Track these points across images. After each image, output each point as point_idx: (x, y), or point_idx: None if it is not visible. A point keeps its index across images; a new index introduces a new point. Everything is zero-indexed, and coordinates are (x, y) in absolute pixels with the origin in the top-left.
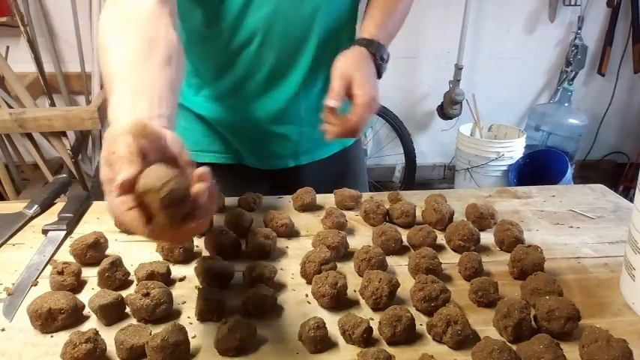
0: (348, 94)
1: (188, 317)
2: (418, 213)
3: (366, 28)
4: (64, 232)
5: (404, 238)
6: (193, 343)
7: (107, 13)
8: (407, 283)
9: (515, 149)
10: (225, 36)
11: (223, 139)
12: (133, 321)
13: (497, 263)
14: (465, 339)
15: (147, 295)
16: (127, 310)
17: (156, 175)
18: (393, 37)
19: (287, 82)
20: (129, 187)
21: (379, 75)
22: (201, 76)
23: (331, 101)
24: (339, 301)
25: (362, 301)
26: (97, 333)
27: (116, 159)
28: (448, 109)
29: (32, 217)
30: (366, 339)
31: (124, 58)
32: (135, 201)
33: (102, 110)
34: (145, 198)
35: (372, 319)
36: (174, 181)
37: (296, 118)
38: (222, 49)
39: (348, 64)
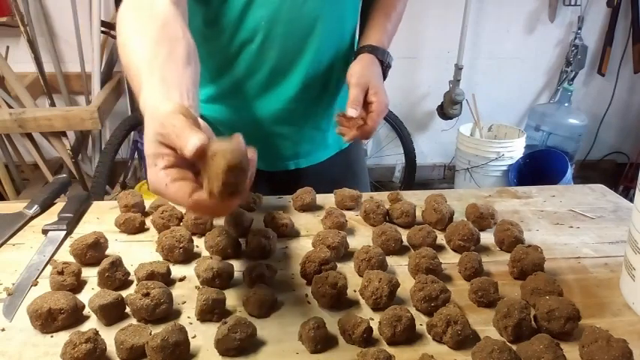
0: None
1: (188, 317)
2: (418, 213)
3: (370, 34)
4: (64, 232)
5: (404, 238)
6: (193, 343)
7: (125, 15)
8: (407, 283)
9: (515, 149)
10: (226, 34)
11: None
12: (133, 321)
13: (497, 263)
14: (465, 339)
15: (147, 295)
16: (127, 310)
17: (224, 143)
18: (391, 40)
19: (288, 82)
20: (202, 152)
21: (384, 78)
22: (204, 75)
23: (351, 110)
24: (339, 301)
25: (362, 301)
26: (97, 333)
27: (179, 131)
28: (448, 109)
29: (32, 217)
30: (366, 339)
31: (148, 55)
32: (179, 174)
33: (102, 110)
34: (211, 162)
35: (372, 319)
36: (241, 150)
37: (296, 119)
38: (223, 48)
39: (362, 72)
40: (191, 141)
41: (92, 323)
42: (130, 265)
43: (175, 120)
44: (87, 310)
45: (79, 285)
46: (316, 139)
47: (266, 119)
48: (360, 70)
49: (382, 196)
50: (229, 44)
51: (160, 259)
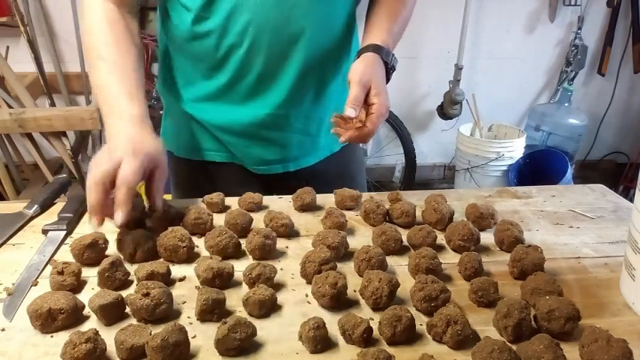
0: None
1: (188, 317)
2: (418, 213)
3: (374, 34)
4: (64, 232)
5: (404, 238)
6: (193, 343)
7: (87, 23)
8: (407, 283)
9: (515, 149)
10: (214, 37)
11: (216, 138)
12: (133, 321)
13: (497, 263)
14: (465, 339)
15: (147, 295)
16: (127, 310)
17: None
18: (396, 44)
19: (275, 87)
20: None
21: (387, 81)
22: (194, 76)
23: (350, 110)
24: (339, 301)
25: (362, 301)
26: (97, 333)
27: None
28: (448, 109)
29: (32, 217)
30: (366, 339)
31: (110, 68)
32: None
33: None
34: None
35: (372, 319)
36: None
37: (285, 125)
38: (211, 51)
39: (365, 70)
40: (119, 214)
41: (92, 323)
42: (130, 265)
43: (124, 167)
44: (87, 310)
45: (79, 285)
46: (305, 144)
47: (253, 124)
48: (363, 68)
49: (382, 196)
50: (217, 48)
51: (160, 259)
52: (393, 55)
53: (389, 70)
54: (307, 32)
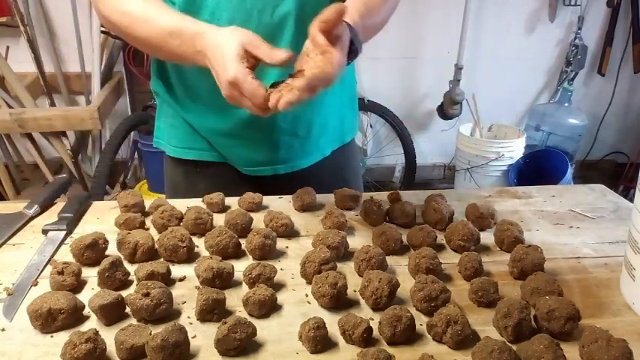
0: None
1: (188, 317)
2: (418, 213)
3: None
4: (64, 232)
5: (404, 238)
6: (193, 343)
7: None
8: (407, 283)
9: (515, 149)
10: None
11: (206, 138)
12: (133, 321)
13: (497, 263)
14: (465, 339)
15: (147, 295)
16: (127, 310)
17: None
18: (371, 31)
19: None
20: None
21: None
22: (184, 74)
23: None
24: (339, 301)
25: (362, 301)
26: (97, 333)
27: (265, 46)
28: (448, 109)
29: (32, 217)
30: (366, 339)
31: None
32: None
33: (102, 110)
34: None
35: (372, 319)
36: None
37: (271, 126)
38: None
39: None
40: (280, 53)
41: (92, 323)
42: (130, 265)
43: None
44: (87, 310)
45: (79, 285)
46: (294, 146)
47: (239, 124)
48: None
49: (382, 196)
50: None
51: (160, 259)
52: (359, 40)
53: (351, 48)
54: (291, 28)
